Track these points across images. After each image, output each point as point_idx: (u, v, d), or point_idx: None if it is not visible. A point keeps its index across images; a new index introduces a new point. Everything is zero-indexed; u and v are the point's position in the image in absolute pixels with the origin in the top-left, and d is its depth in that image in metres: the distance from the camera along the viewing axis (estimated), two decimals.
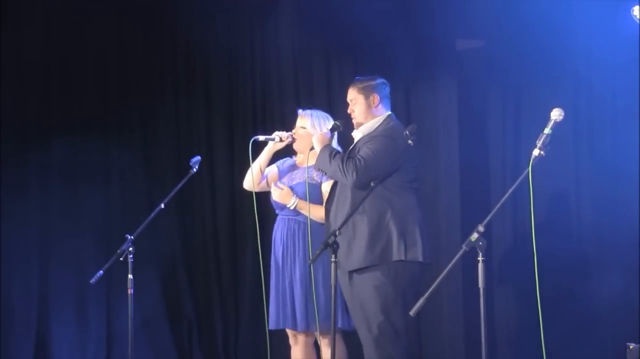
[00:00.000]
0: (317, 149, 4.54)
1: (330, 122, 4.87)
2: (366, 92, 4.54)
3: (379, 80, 4.60)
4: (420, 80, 5.95)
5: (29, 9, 6.17)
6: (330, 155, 4.43)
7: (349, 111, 4.59)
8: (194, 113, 6.58)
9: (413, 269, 4.37)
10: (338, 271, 4.37)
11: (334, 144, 4.71)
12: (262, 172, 4.98)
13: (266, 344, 4.94)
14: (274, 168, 5.04)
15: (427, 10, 5.77)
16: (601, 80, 5.39)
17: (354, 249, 4.37)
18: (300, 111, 4.96)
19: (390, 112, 4.58)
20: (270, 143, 4.97)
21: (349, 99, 4.60)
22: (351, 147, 4.55)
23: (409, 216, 4.38)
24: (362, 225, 4.36)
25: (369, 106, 4.54)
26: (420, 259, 4.34)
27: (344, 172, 4.34)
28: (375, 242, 4.34)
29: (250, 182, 4.98)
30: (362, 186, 4.31)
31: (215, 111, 6.56)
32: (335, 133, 4.68)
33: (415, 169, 4.49)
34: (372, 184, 4.24)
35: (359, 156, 4.35)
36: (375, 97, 4.54)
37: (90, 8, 6.23)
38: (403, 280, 4.34)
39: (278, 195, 4.85)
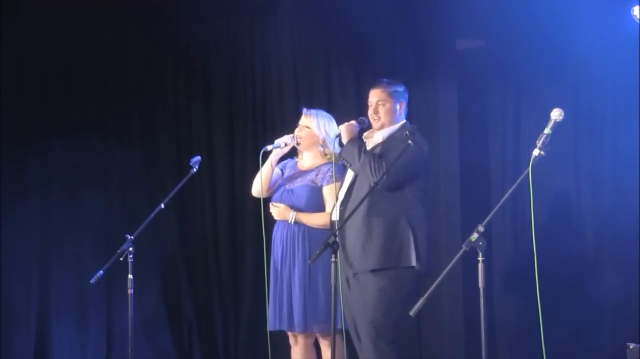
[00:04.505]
0: (345, 139, 4.51)
1: (333, 125, 4.89)
2: (396, 98, 4.54)
3: (404, 87, 4.61)
4: (421, 80, 5.94)
5: (29, 9, 6.17)
6: (359, 149, 4.40)
7: (372, 111, 4.54)
8: (194, 113, 6.57)
9: (417, 277, 4.38)
10: (341, 272, 4.37)
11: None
12: (270, 178, 4.98)
13: (267, 344, 4.94)
14: (277, 170, 5.04)
15: (427, 10, 5.77)
16: (601, 81, 5.39)
17: (368, 251, 4.35)
18: (305, 110, 4.96)
19: (405, 120, 4.59)
20: (276, 150, 4.97)
21: (375, 99, 4.54)
22: (370, 148, 4.51)
23: (420, 224, 4.39)
24: (377, 227, 4.35)
25: (395, 112, 4.54)
26: (424, 270, 4.36)
27: (374, 170, 4.29)
28: (390, 246, 4.33)
29: (258, 189, 4.98)
30: (390, 188, 4.31)
31: (215, 111, 6.55)
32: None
33: (429, 178, 4.51)
34: (372, 184, 4.24)
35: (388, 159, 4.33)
36: (403, 104, 4.57)
37: (90, 9, 6.22)
38: (407, 286, 4.35)
39: (276, 213, 4.86)
